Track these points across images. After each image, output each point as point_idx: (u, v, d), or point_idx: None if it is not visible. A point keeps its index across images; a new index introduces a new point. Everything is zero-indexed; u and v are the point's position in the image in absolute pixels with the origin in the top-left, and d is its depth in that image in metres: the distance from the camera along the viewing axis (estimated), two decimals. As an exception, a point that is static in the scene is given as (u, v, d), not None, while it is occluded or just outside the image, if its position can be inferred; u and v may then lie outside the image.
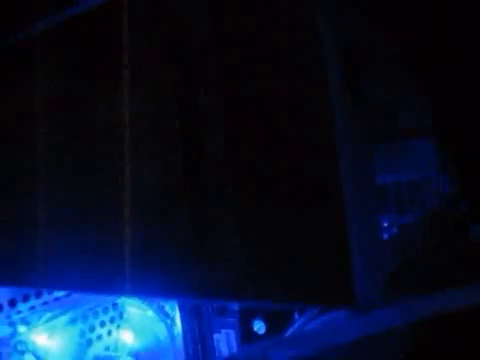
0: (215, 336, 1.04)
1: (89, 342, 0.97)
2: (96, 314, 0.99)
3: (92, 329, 0.98)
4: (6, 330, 0.86)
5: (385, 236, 0.76)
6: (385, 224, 0.79)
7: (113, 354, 1.00)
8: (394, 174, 0.80)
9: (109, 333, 1.01)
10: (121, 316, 1.03)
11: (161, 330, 1.05)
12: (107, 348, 1.00)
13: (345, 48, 0.53)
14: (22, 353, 0.86)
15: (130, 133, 0.64)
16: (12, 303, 0.89)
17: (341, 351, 0.56)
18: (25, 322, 0.88)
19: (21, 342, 0.86)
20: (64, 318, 0.91)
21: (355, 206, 0.54)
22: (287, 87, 0.55)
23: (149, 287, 0.65)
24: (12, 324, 0.87)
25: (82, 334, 0.96)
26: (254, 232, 0.57)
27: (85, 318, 0.96)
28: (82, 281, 0.70)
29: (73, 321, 0.93)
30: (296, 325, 0.87)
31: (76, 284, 0.72)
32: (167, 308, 1.05)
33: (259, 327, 1.00)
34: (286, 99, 0.55)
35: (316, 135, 0.54)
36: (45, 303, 0.93)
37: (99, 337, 0.99)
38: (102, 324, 1.00)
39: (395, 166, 0.79)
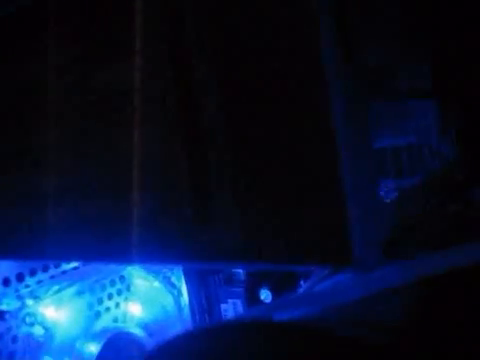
0: (222, 306, 1.05)
1: (97, 314, 0.99)
2: (103, 287, 1.00)
3: (100, 301, 1.00)
4: (15, 303, 0.87)
5: (385, 200, 0.76)
6: (385, 188, 0.79)
7: (122, 326, 1.01)
8: (393, 138, 0.80)
9: (117, 305, 1.03)
10: (128, 288, 1.04)
11: (168, 301, 1.06)
12: (115, 320, 1.02)
13: (339, 5, 0.53)
14: (31, 325, 0.87)
15: (137, 102, 0.65)
16: (20, 277, 0.91)
17: (344, 311, 0.56)
18: (33, 295, 0.89)
19: (30, 314, 0.87)
20: (71, 290, 0.93)
21: (351, 168, 0.54)
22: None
23: (158, 254, 0.66)
24: (20, 297, 0.88)
25: (90, 306, 0.97)
26: (253, 197, 0.58)
27: (92, 291, 0.98)
28: (94, 251, 0.71)
29: (80, 293, 0.94)
30: (301, 291, 0.88)
31: (87, 254, 0.73)
32: (173, 279, 1.06)
33: (265, 296, 1.01)
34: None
35: (310, 97, 0.54)
36: (52, 277, 0.94)
37: (107, 309, 1.01)
38: (110, 296, 1.01)
39: (394, 130, 0.79)
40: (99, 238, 0.68)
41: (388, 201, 0.76)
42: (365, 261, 0.55)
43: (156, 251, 0.64)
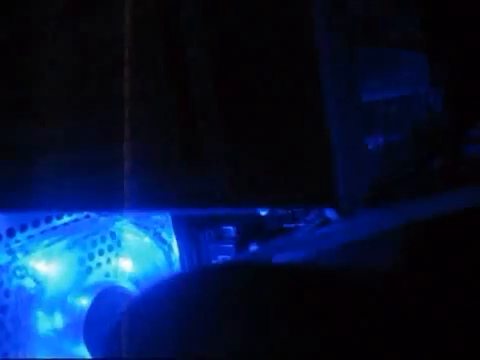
0: (213, 262, 1.06)
1: (88, 270, 0.99)
2: (94, 242, 1.01)
3: (91, 257, 1.00)
4: (5, 258, 0.87)
5: (372, 151, 0.76)
6: (373, 141, 0.79)
7: (113, 280, 1.02)
8: (383, 91, 0.80)
9: (108, 261, 1.03)
10: (119, 244, 1.05)
11: (159, 257, 1.07)
12: (107, 275, 1.02)
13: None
14: (22, 278, 0.88)
15: (126, 51, 0.64)
16: (10, 233, 0.90)
17: (335, 255, 0.57)
18: (24, 250, 0.90)
19: (20, 267, 0.88)
20: (61, 244, 0.93)
21: (337, 116, 0.55)
22: None
23: (149, 201, 0.66)
24: (11, 252, 0.88)
25: (81, 262, 0.98)
26: (240, 141, 0.58)
27: (83, 246, 0.98)
28: (84, 201, 0.71)
29: (71, 247, 0.95)
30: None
31: (77, 204, 0.73)
32: (164, 235, 1.07)
33: (255, 252, 1.01)
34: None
35: (297, 43, 0.54)
36: (43, 232, 0.94)
37: (98, 265, 1.01)
38: (100, 252, 1.02)
39: (385, 81, 0.79)
40: (90, 187, 0.69)
41: (376, 151, 0.76)
42: (350, 202, 0.56)
43: (147, 198, 0.65)
